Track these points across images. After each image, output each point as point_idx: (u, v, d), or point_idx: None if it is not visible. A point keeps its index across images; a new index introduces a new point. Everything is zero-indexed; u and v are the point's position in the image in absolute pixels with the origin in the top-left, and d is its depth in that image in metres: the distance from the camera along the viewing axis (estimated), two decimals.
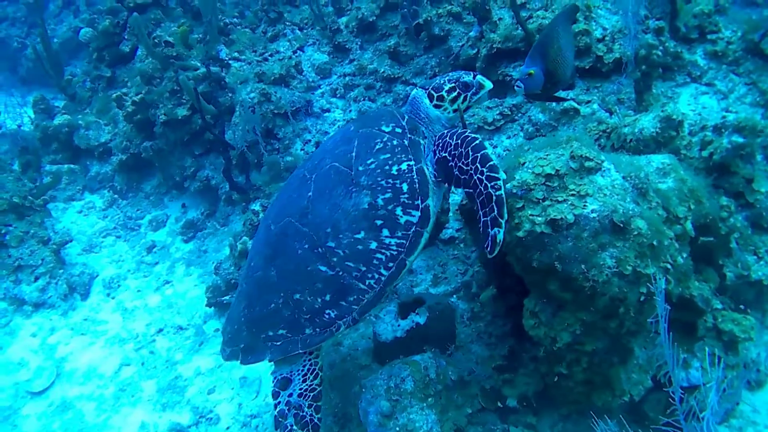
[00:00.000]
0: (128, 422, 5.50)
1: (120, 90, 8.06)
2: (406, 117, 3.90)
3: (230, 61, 7.70)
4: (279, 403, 3.86)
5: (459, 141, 3.60)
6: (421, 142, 3.79)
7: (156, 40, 7.77)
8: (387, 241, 3.57)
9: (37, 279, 6.92)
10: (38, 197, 7.66)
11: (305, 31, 8.31)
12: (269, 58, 7.79)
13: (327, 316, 3.66)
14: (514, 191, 3.46)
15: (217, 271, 6.28)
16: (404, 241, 3.58)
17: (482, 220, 3.35)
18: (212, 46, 7.74)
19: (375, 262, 3.57)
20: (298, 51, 8.01)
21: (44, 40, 9.41)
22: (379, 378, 4.13)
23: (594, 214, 3.29)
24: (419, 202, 3.60)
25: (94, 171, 8.50)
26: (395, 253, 3.58)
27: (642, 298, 3.33)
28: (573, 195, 3.36)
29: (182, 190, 7.90)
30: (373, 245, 3.56)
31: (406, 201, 3.58)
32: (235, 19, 8.61)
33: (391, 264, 3.58)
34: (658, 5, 6.13)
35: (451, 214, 5.57)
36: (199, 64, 7.55)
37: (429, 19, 7.00)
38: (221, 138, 6.85)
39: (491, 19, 6.48)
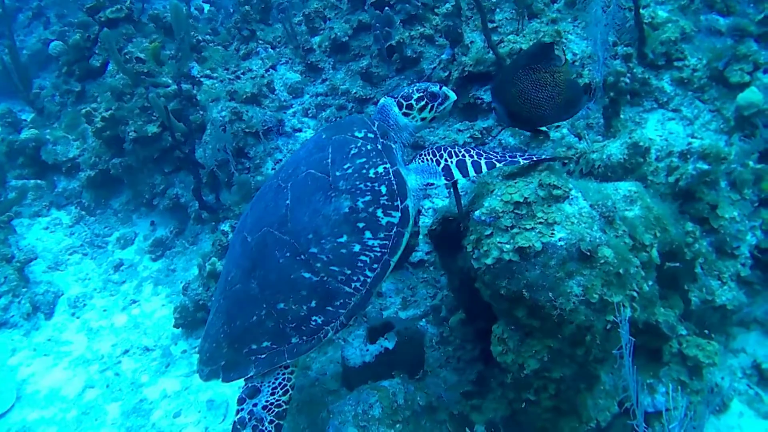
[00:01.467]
0: None
1: (90, 105, 7.96)
2: (376, 123, 3.98)
3: (202, 79, 7.67)
4: (242, 410, 3.79)
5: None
6: (393, 146, 3.88)
7: (127, 56, 7.72)
8: (370, 243, 3.59)
9: None
10: (2, 213, 7.55)
11: (278, 49, 8.33)
12: (241, 76, 7.78)
13: (314, 323, 3.63)
14: (483, 218, 3.48)
15: (185, 291, 6.20)
16: (387, 242, 3.62)
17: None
18: (184, 63, 7.71)
19: (359, 264, 3.59)
20: (271, 69, 8.01)
21: (12, 52, 9.31)
22: (347, 404, 4.11)
23: (561, 243, 3.31)
24: (398, 202, 3.66)
25: (61, 187, 8.39)
26: (379, 254, 3.61)
27: (608, 326, 3.35)
28: (541, 223, 3.37)
29: (151, 208, 7.81)
30: (357, 248, 3.58)
31: (386, 202, 3.63)
32: (207, 36, 8.59)
33: (375, 265, 3.61)
34: (627, 32, 6.24)
35: (421, 237, 5.58)
36: (170, 81, 7.51)
37: (401, 41, 7.05)
38: (191, 157, 6.79)
39: (463, 42, 6.55)
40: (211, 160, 6.82)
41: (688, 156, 4.88)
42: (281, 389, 3.80)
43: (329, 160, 3.76)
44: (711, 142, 5.30)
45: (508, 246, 3.37)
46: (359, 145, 3.78)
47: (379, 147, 3.79)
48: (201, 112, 7.29)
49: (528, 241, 3.32)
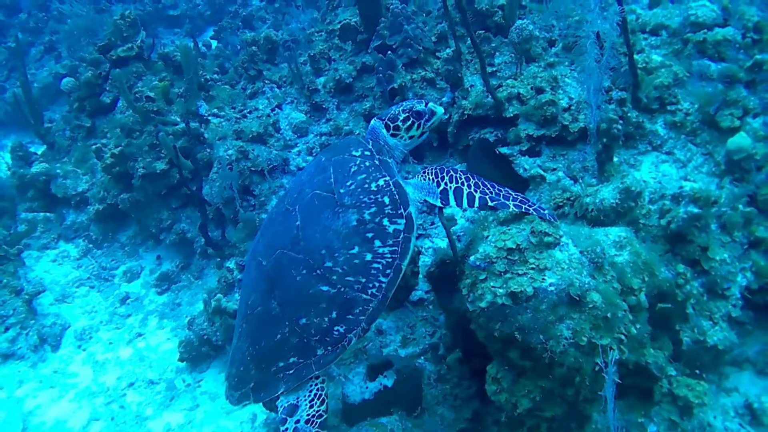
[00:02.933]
0: None
1: (99, 141, 8.17)
2: (370, 142, 4.18)
3: (210, 117, 7.89)
4: (287, 429, 3.82)
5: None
6: (389, 161, 4.10)
7: (137, 95, 7.94)
8: (381, 250, 3.75)
9: (7, 329, 6.92)
10: (12, 246, 7.70)
11: (284, 89, 8.55)
12: (248, 115, 8.00)
13: (336, 333, 3.75)
14: (477, 263, 3.64)
15: (190, 326, 6.34)
16: (396, 248, 3.78)
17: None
18: (192, 101, 7.93)
19: (373, 271, 3.74)
20: (277, 109, 8.23)
21: (24, 87, 9.53)
22: None
23: (552, 288, 3.47)
24: (402, 210, 3.84)
25: (69, 220, 8.55)
26: (390, 260, 3.76)
27: (597, 368, 3.49)
28: (533, 268, 3.53)
29: (158, 242, 7.97)
30: (369, 257, 3.74)
31: (390, 211, 3.81)
32: (215, 75, 8.82)
33: (388, 271, 3.76)
34: (622, 76, 6.42)
35: (420, 277, 5.73)
36: (178, 120, 7.72)
37: (403, 84, 7.27)
38: (198, 194, 6.96)
39: (463, 85, 6.76)
40: (218, 198, 7.00)
41: (680, 199, 5.05)
42: (318, 400, 3.87)
43: (332, 180, 3.94)
44: (702, 186, 5.48)
45: (501, 290, 3.52)
46: (358, 162, 3.98)
47: (377, 162, 4.00)
48: (208, 150, 7.48)
49: (520, 286, 3.48)
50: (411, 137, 4.27)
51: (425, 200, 4.03)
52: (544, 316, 3.46)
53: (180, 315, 7.10)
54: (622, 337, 3.59)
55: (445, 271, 4.62)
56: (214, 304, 6.07)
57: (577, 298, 3.46)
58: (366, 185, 3.87)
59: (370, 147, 4.11)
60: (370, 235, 3.77)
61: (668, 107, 6.36)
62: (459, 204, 3.92)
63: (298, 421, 3.82)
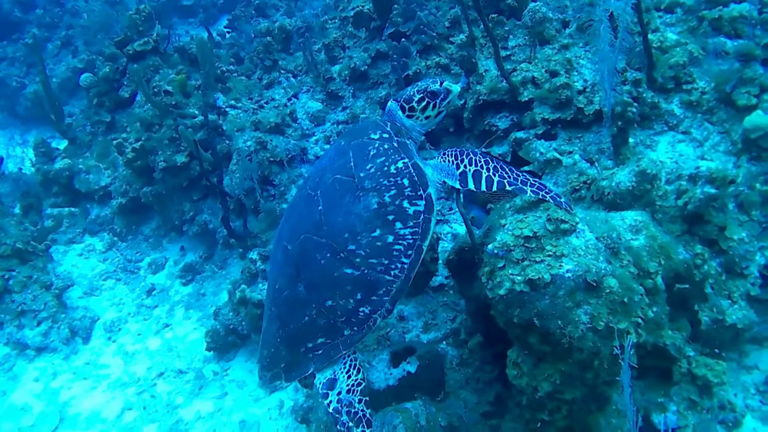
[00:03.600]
0: None
1: (120, 135, 8.27)
2: (389, 123, 4.21)
3: (227, 109, 7.98)
4: (330, 402, 3.93)
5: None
6: (408, 142, 4.12)
7: (155, 89, 8.04)
8: (402, 232, 3.82)
9: (39, 323, 7.12)
10: (40, 242, 7.87)
11: (299, 77, 8.61)
12: (265, 105, 8.07)
13: (362, 314, 3.85)
14: (495, 251, 3.71)
15: (216, 316, 6.48)
16: (417, 229, 3.84)
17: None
18: (209, 94, 8.02)
19: (395, 253, 3.81)
20: (293, 98, 8.29)
21: (44, 83, 9.64)
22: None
23: (569, 274, 3.53)
24: (422, 192, 3.89)
25: (94, 214, 8.74)
26: (411, 241, 3.83)
27: (614, 352, 3.56)
28: (550, 255, 3.59)
29: (181, 234, 8.12)
30: (390, 239, 3.81)
31: (410, 193, 3.87)
32: (231, 67, 8.90)
33: (410, 252, 3.83)
34: (637, 56, 6.41)
35: (440, 262, 5.80)
36: (197, 112, 7.83)
37: (418, 71, 7.30)
38: (219, 187, 7.08)
39: (478, 70, 6.78)
40: (239, 189, 7.10)
41: (697, 179, 5.06)
42: (354, 369, 3.99)
43: (352, 164, 3.99)
44: (719, 165, 5.48)
45: (519, 278, 3.59)
46: (377, 145, 4.02)
47: (395, 144, 4.03)
48: (227, 142, 7.58)
49: (538, 273, 3.55)
50: (427, 117, 4.27)
51: (444, 182, 4.08)
52: (562, 302, 3.52)
53: (205, 305, 7.26)
54: (640, 320, 3.65)
55: (464, 258, 4.69)
56: (239, 294, 6.20)
57: (594, 284, 3.52)
58: (385, 168, 3.92)
59: (389, 129, 4.14)
60: (391, 217, 3.82)
61: (684, 86, 6.34)
62: (477, 187, 3.95)
63: (339, 393, 3.94)
